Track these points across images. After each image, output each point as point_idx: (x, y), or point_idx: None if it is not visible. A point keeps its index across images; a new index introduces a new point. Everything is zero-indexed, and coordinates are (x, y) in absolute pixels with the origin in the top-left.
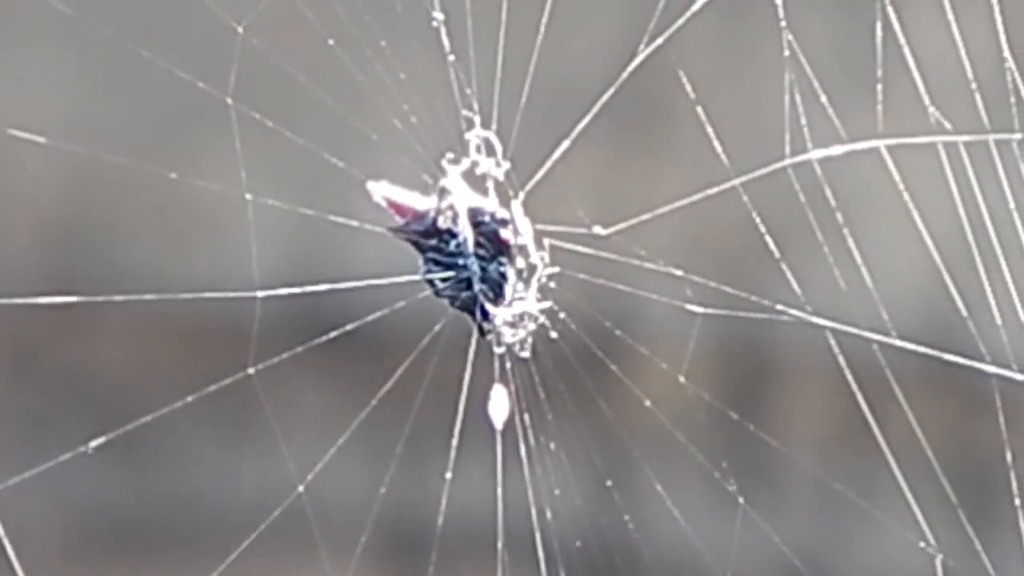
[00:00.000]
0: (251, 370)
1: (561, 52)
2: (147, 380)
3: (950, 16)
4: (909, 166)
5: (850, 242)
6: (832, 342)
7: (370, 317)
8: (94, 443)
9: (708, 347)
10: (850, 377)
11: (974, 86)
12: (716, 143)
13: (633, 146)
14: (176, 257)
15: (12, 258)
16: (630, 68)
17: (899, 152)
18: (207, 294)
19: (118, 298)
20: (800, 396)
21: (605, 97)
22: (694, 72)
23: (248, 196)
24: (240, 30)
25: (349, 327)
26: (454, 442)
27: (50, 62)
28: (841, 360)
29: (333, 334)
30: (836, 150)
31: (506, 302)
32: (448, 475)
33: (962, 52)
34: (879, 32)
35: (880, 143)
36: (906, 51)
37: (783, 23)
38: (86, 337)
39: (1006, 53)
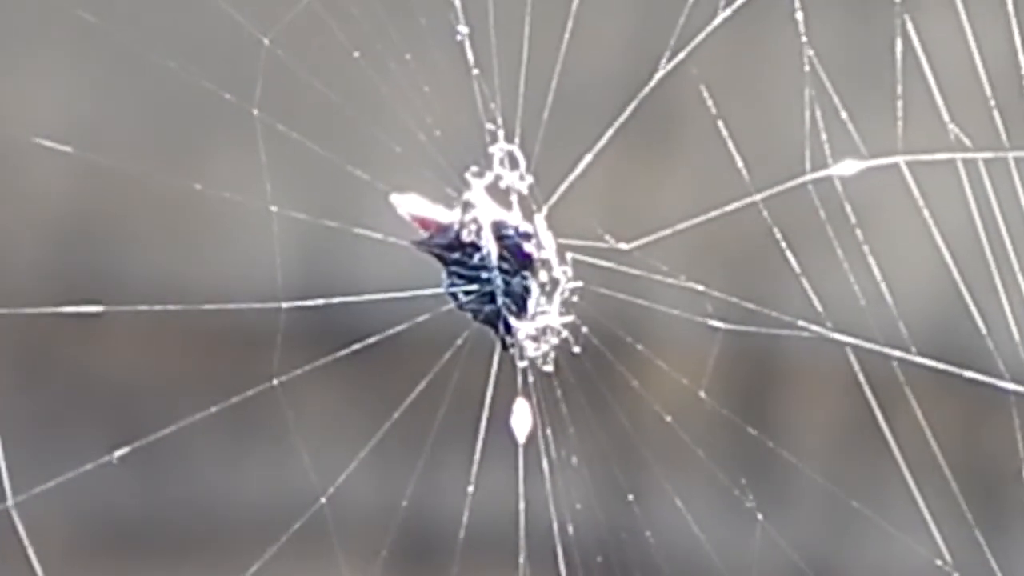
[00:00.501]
0: (275, 381)
1: (583, 66)
2: (159, 385)
3: (968, 31)
4: (927, 181)
5: (869, 258)
6: (852, 358)
7: (393, 330)
8: (118, 453)
9: (721, 355)
10: (864, 382)
11: (992, 102)
12: (737, 157)
13: (652, 160)
14: (188, 265)
15: (22, 263)
16: (651, 84)
17: (917, 167)
18: (231, 305)
19: (142, 307)
20: (810, 403)
21: (628, 111)
22: (713, 86)
23: (273, 208)
24: (266, 42)
25: (372, 340)
26: (476, 455)
27: (68, 69)
28: (856, 367)
29: (357, 346)
30: (856, 166)
31: (529, 316)
32: (470, 488)
33: (980, 67)
34: (898, 48)
35: (900, 159)
36: (925, 66)
37: (804, 39)
38: (97, 342)
39: None
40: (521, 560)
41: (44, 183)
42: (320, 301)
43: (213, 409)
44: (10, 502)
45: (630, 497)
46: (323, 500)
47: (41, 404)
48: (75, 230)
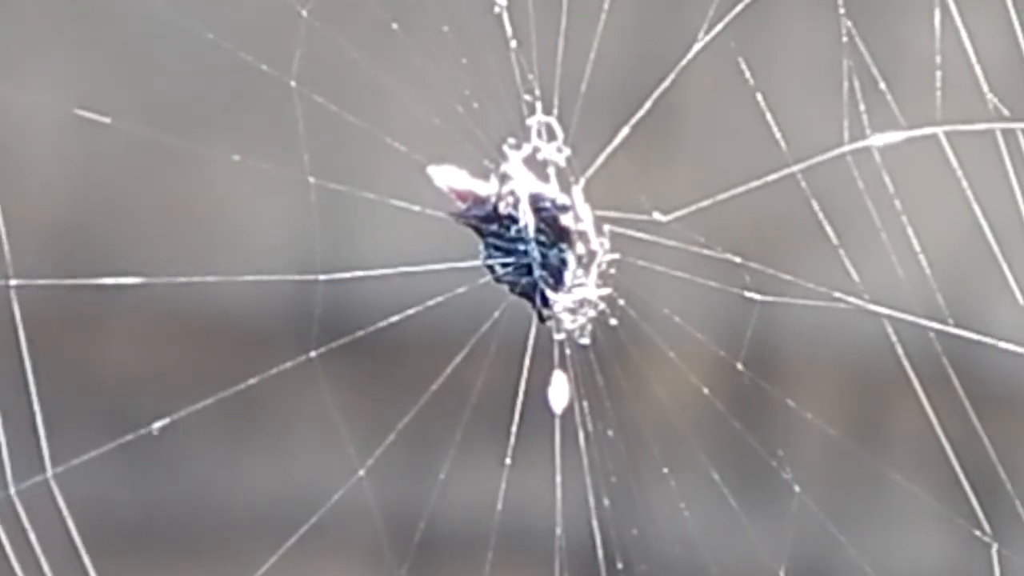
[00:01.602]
0: (313, 353)
1: (622, 38)
2: (157, 380)
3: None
4: (965, 152)
5: (909, 229)
6: (889, 329)
7: (432, 301)
8: (157, 424)
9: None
10: (902, 353)
11: None
12: (775, 129)
13: (687, 133)
14: (190, 255)
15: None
16: (689, 56)
17: (955, 138)
18: (268, 277)
19: (180, 279)
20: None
21: (667, 83)
22: (751, 58)
23: (311, 179)
24: (304, 13)
25: (411, 311)
26: (513, 428)
27: (70, 64)
28: (899, 349)
29: (394, 318)
30: (895, 136)
31: (566, 288)
32: (507, 461)
33: (1020, 36)
34: (936, 18)
35: (939, 129)
36: (964, 36)
37: (841, 10)
38: (95, 337)
39: None
40: (559, 531)
41: (39, 179)
42: (360, 273)
43: (224, 393)
44: (10, 490)
45: (665, 470)
46: (361, 472)
47: (40, 400)
48: (77, 228)
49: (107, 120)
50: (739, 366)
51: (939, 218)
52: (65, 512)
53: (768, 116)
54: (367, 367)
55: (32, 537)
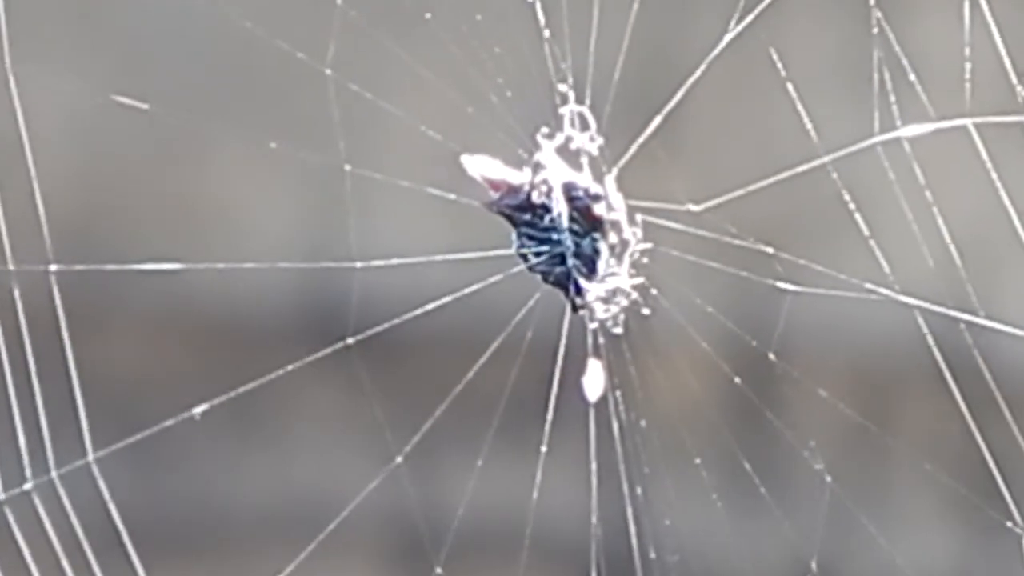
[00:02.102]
0: (350, 340)
1: (655, 26)
2: (161, 380)
3: None
4: (994, 144)
5: (939, 219)
6: (920, 321)
7: (468, 289)
8: (198, 409)
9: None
10: (932, 343)
11: None
12: (806, 120)
13: (719, 122)
14: (192, 255)
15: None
16: (721, 45)
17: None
18: (300, 265)
19: (220, 266)
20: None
21: (698, 73)
22: (784, 49)
23: (347, 167)
24: (339, 1)
25: (447, 299)
26: (548, 416)
27: (72, 63)
28: (924, 329)
29: (430, 306)
30: (925, 127)
31: (599, 277)
32: (543, 448)
33: None
34: (966, 11)
35: (968, 121)
36: (992, 28)
37: (871, 1)
38: (99, 337)
39: None
40: (594, 520)
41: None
42: (397, 261)
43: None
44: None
45: (697, 461)
46: (399, 459)
47: (44, 399)
48: (78, 226)
49: (144, 106)
50: (771, 356)
51: (967, 209)
52: (69, 511)
53: (799, 106)
54: (397, 357)
55: (33, 537)
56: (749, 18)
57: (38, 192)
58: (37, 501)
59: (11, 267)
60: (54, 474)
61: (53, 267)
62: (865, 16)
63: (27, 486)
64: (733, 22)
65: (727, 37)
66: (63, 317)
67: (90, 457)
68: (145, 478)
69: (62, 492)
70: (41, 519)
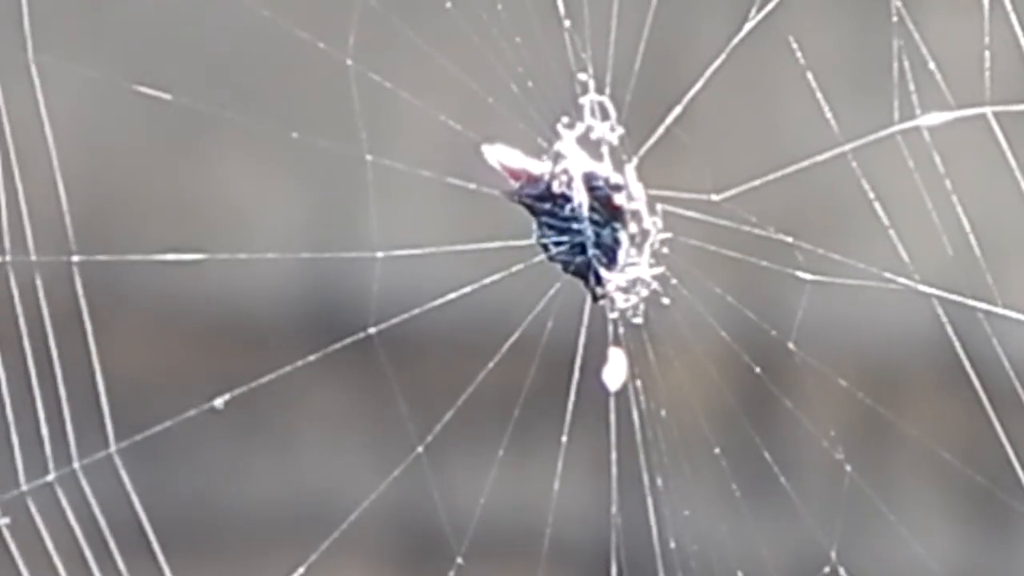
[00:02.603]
0: (372, 329)
1: (675, 15)
2: (164, 380)
3: None
4: (1014, 133)
5: (958, 207)
6: (940, 311)
7: (488, 279)
8: (219, 400)
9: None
10: (952, 334)
11: None
12: (826, 109)
13: (739, 111)
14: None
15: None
16: (740, 35)
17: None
18: (327, 254)
19: (242, 256)
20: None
21: (718, 62)
22: (803, 38)
23: (368, 157)
24: None
25: (468, 288)
26: (569, 405)
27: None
28: (944, 318)
29: (452, 295)
30: (945, 116)
31: (619, 267)
32: (563, 439)
33: None
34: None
35: (987, 109)
36: (1012, 18)
37: None
38: (104, 336)
39: None
40: (613, 510)
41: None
42: (417, 251)
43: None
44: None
45: (716, 450)
46: (420, 449)
47: (45, 401)
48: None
49: (168, 96)
50: (790, 345)
51: (985, 199)
52: (69, 512)
53: (818, 95)
54: (416, 349)
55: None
56: (769, 7)
57: (59, 183)
58: (32, 508)
59: (33, 257)
60: (51, 477)
61: (76, 258)
62: (884, 5)
63: (24, 488)
64: (753, 10)
65: (746, 26)
66: (48, 314)
67: (79, 464)
68: (146, 478)
69: (60, 494)
70: (46, 520)
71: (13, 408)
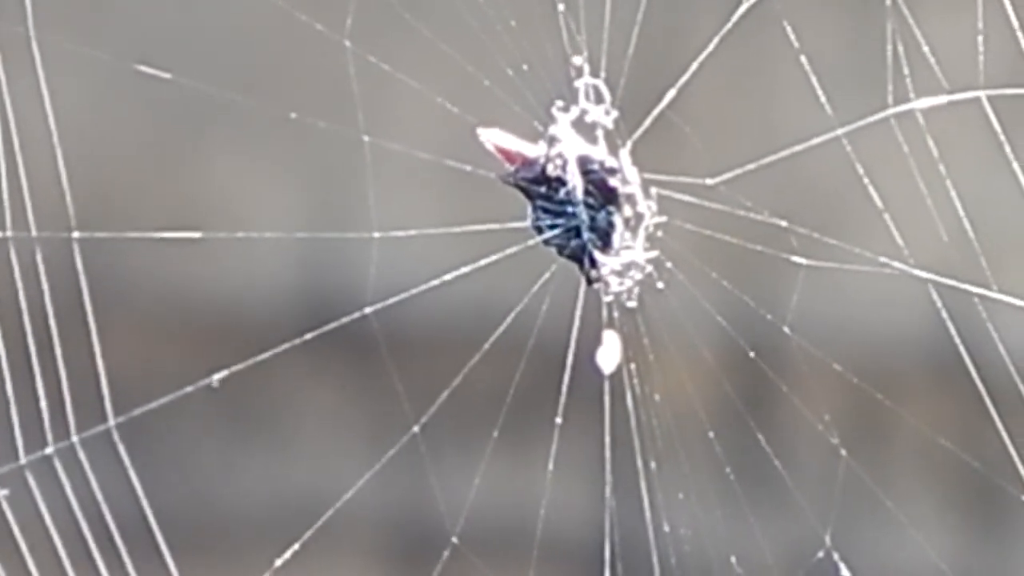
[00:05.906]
0: (368, 309)
1: (670, 0)
2: (155, 379)
3: None
4: (1007, 117)
5: (952, 192)
6: (935, 296)
7: (483, 261)
8: (216, 377)
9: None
10: (947, 319)
11: None
12: (820, 93)
13: (733, 96)
14: (189, 254)
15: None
16: (734, 18)
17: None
18: (325, 234)
19: (240, 234)
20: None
21: (711, 47)
22: (798, 23)
23: (365, 138)
24: None
25: (465, 269)
26: (563, 388)
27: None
28: (939, 303)
29: (448, 276)
30: (939, 99)
31: (614, 251)
32: (558, 420)
33: None
34: None
35: (982, 93)
36: (1006, 2)
37: None
38: (102, 320)
39: None
40: (607, 492)
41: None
42: (412, 232)
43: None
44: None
45: (711, 435)
46: (416, 429)
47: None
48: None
49: (167, 75)
50: (785, 329)
51: (980, 183)
52: (68, 510)
53: (813, 80)
54: (411, 331)
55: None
56: None
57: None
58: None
59: (33, 233)
60: (49, 450)
61: (76, 234)
62: None
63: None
64: None
65: (740, 9)
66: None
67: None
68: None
69: (59, 468)
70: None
71: (13, 382)
